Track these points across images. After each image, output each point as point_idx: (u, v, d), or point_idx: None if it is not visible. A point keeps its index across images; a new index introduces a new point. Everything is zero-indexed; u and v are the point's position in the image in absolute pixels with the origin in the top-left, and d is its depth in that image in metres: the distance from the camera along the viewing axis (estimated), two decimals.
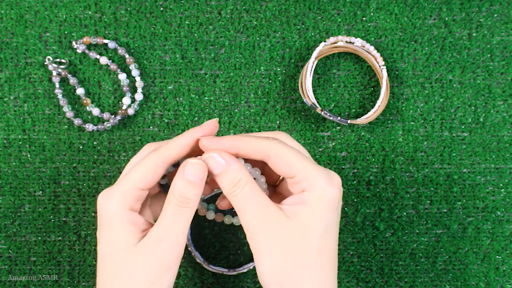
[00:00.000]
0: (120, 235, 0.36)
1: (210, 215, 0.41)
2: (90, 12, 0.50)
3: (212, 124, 0.38)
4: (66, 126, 0.49)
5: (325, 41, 0.49)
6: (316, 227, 0.35)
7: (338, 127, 0.50)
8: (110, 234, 0.36)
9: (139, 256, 0.36)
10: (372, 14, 0.50)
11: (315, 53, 0.48)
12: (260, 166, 0.41)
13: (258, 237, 0.35)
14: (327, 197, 0.36)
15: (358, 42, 0.49)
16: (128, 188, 0.36)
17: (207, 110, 0.50)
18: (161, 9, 0.50)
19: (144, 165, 0.36)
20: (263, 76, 0.50)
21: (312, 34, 0.50)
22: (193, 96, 0.50)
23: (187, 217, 0.36)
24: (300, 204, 0.36)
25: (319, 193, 0.35)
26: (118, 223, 0.36)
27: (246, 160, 0.38)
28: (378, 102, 0.49)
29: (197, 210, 0.40)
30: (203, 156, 0.37)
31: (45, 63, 0.49)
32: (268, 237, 0.35)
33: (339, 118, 0.49)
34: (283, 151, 0.36)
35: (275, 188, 0.42)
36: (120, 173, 0.49)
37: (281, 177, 0.42)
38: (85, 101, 0.49)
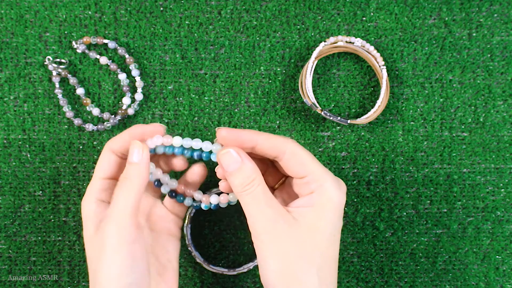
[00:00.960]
0: (86, 228, 0.38)
1: (214, 199, 0.42)
2: (90, 12, 0.50)
3: (159, 127, 0.40)
4: (66, 126, 0.49)
5: (325, 41, 0.49)
6: (323, 230, 0.36)
7: (338, 127, 0.50)
8: (84, 230, 0.39)
9: (97, 240, 0.37)
10: (372, 14, 0.50)
11: (315, 53, 0.48)
12: (262, 168, 0.41)
13: (265, 237, 0.36)
14: (335, 202, 0.36)
15: (358, 42, 0.49)
16: (93, 181, 0.39)
17: (207, 110, 0.50)
18: (161, 9, 0.50)
19: (100, 158, 0.40)
20: (263, 76, 0.50)
21: (312, 34, 0.50)
22: (193, 96, 0.50)
23: (128, 192, 0.37)
24: (308, 206, 0.36)
25: (328, 197, 0.36)
26: (85, 217, 0.39)
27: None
28: (378, 102, 0.49)
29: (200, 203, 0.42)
30: (219, 152, 0.37)
31: (45, 63, 0.49)
32: (275, 238, 0.35)
33: (339, 118, 0.49)
34: (299, 150, 0.37)
35: (273, 191, 0.42)
36: None
37: (280, 181, 0.42)
38: (85, 101, 0.49)
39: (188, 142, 0.40)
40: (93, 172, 0.49)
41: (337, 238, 0.37)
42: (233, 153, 0.36)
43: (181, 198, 0.43)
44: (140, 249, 0.37)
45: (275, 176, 0.42)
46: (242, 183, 0.36)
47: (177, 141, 0.40)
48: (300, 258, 0.35)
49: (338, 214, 0.37)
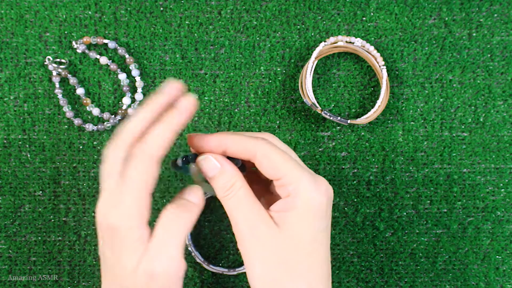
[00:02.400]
0: (127, 258, 0.33)
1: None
2: (90, 12, 0.50)
3: (174, 89, 0.34)
4: (66, 126, 0.49)
5: (325, 41, 0.49)
6: (303, 236, 0.35)
7: (338, 127, 0.50)
8: (121, 253, 0.33)
9: (139, 282, 0.33)
10: (372, 14, 0.50)
11: (315, 53, 0.48)
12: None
13: (248, 244, 0.35)
14: (313, 204, 0.35)
15: (358, 42, 0.49)
16: (138, 196, 0.33)
17: (207, 110, 0.50)
18: (161, 9, 0.50)
19: (145, 167, 0.33)
20: (263, 76, 0.50)
21: (312, 34, 0.50)
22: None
23: (182, 228, 0.34)
24: (287, 211, 0.35)
25: (304, 199, 0.35)
26: (129, 244, 0.33)
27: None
28: (378, 102, 0.49)
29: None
30: (199, 158, 0.37)
31: (45, 63, 0.49)
32: (257, 245, 0.35)
33: (339, 118, 0.49)
34: (270, 151, 0.35)
35: (269, 186, 0.42)
36: None
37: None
38: (85, 101, 0.49)
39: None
40: (93, 172, 0.49)
41: (322, 242, 0.36)
42: (211, 158, 0.36)
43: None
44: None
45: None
46: (223, 188, 0.36)
47: None
48: (282, 265, 0.35)
49: (319, 216, 0.35)
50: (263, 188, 0.41)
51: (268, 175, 0.36)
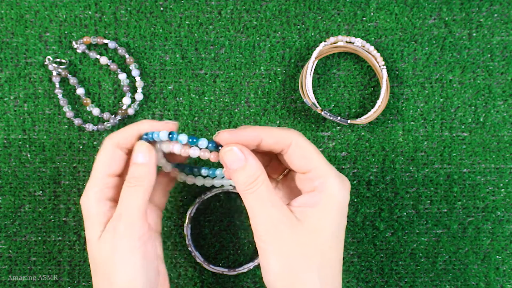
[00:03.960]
0: (91, 228, 0.37)
1: (195, 152, 0.38)
2: (90, 12, 0.50)
3: (171, 125, 0.38)
4: (66, 126, 0.49)
5: (325, 41, 0.49)
6: (326, 232, 0.35)
7: (338, 127, 0.50)
8: (87, 230, 0.37)
9: (106, 241, 0.36)
10: (372, 14, 0.50)
11: (315, 53, 0.48)
12: (265, 161, 0.40)
13: (267, 238, 0.35)
14: (338, 201, 0.35)
15: (358, 42, 0.49)
16: (95, 178, 0.37)
17: (207, 110, 0.50)
18: (161, 9, 0.50)
19: (102, 153, 0.38)
20: (263, 76, 0.50)
21: (312, 34, 0.50)
22: (193, 96, 0.50)
23: (138, 196, 0.36)
24: (312, 206, 0.35)
25: (330, 195, 0.35)
26: (89, 216, 0.37)
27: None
28: (378, 102, 0.49)
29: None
30: (223, 150, 0.36)
31: (45, 63, 0.49)
32: (277, 239, 0.35)
33: (339, 118, 0.49)
34: (304, 143, 0.36)
35: (276, 184, 0.42)
36: None
37: (283, 173, 0.41)
38: (85, 101, 0.49)
39: (196, 152, 0.37)
40: None
41: (341, 239, 0.36)
42: (237, 151, 0.35)
43: (190, 169, 0.42)
44: (152, 250, 0.37)
45: (278, 169, 0.41)
46: (246, 182, 0.35)
47: (178, 148, 0.37)
48: (301, 260, 0.35)
49: (342, 213, 0.36)
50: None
51: (298, 166, 0.36)
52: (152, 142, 0.38)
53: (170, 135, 0.37)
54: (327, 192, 0.35)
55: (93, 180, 0.38)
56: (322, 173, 0.35)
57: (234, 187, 0.42)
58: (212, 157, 0.37)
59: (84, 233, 0.49)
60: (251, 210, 0.35)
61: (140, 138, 0.38)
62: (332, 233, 0.35)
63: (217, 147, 0.37)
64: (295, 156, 0.36)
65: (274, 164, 0.41)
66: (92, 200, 0.37)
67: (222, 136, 0.36)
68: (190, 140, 0.37)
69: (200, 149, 0.37)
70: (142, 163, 0.37)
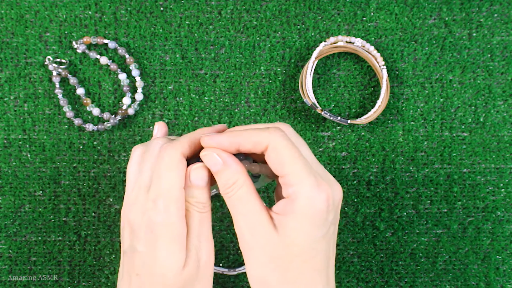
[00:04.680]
0: (172, 252, 0.35)
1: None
2: (90, 12, 0.50)
3: (222, 127, 0.39)
4: (66, 126, 0.49)
5: (325, 41, 0.49)
6: (300, 243, 0.34)
7: (338, 127, 0.50)
8: (161, 252, 0.35)
9: (190, 275, 0.36)
10: (372, 14, 0.50)
11: (315, 53, 0.48)
12: (261, 158, 0.40)
13: (246, 245, 0.35)
14: (310, 211, 0.33)
15: (358, 42, 0.49)
16: (174, 191, 0.35)
17: (207, 110, 0.50)
18: (161, 9, 0.50)
19: (176, 164, 0.36)
20: (263, 76, 0.50)
21: (312, 34, 0.50)
22: (193, 96, 0.50)
23: (210, 221, 0.37)
24: (287, 214, 0.34)
25: (303, 205, 0.33)
26: (172, 239, 0.35)
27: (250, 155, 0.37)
28: (378, 102, 0.49)
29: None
30: (202, 153, 0.36)
31: (45, 63, 0.49)
32: (255, 246, 0.35)
33: (339, 118, 0.49)
34: (281, 145, 0.34)
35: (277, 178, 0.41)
36: (121, 173, 0.49)
37: None
38: (85, 101, 0.49)
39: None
40: (93, 172, 0.49)
41: (320, 249, 0.35)
42: (214, 155, 0.35)
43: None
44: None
45: None
46: (224, 185, 0.35)
47: None
48: (276, 273, 0.34)
49: (317, 224, 0.34)
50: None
51: (274, 170, 0.35)
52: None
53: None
54: (299, 202, 0.33)
55: (170, 193, 0.35)
56: (294, 181, 0.34)
57: None
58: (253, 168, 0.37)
59: (84, 233, 0.49)
60: (232, 213, 0.36)
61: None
62: (308, 245, 0.34)
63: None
64: (270, 160, 0.35)
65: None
66: (169, 219, 0.35)
67: (203, 140, 0.36)
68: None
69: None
70: (204, 186, 0.36)
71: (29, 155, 0.49)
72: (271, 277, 0.34)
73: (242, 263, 0.50)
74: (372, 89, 0.51)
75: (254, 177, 0.39)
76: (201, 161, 0.36)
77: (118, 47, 0.49)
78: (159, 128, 0.40)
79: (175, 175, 0.35)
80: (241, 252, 0.50)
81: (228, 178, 0.35)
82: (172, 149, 0.36)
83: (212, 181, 0.37)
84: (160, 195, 0.35)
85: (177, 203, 0.35)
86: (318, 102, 0.50)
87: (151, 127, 0.50)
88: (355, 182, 0.50)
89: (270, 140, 0.34)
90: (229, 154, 0.35)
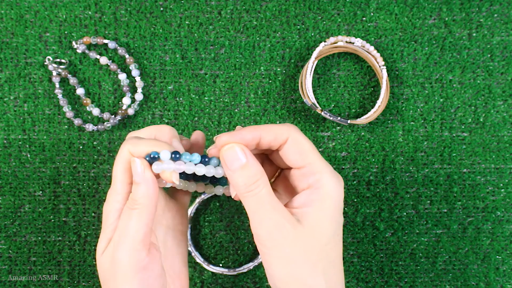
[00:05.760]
0: (100, 241, 0.36)
1: (218, 191, 0.39)
2: (90, 12, 0.50)
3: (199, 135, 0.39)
4: (66, 126, 0.49)
5: (325, 41, 0.49)
6: (326, 231, 0.34)
7: (338, 127, 0.50)
8: (99, 243, 0.37)
9: (107, 262, 0.35)
10: (372, 14, 0.50)
11: (315, 53, 0.48)
12: (260, 161, 0.40)
13: (270, 243, 0.34)
14: (334, 197, 0.35)
15: (358, 42, 0.49)
16: (118, 187, 0.36)
17: (207, 110, 0.50)
18: (161, 9, 0.50)
19: (120, 159, 0.35)
20: (263, 76, 0.50)
21: (312, 34, 0.50)
22: (193, 96, 0.50)
23: (136, 219, 0.34)
24: (309, 205, 0.34)
25: (326, 192, 0.34)
26: (103, 226, 0.36)
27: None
28: (378, 102, 0.49)
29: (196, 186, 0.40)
30: (223, 148, 0.34)
31: (45, 63, 0.49)
32: (281, 244, 0.34)
33: (339, 118, 0.49)
34: (301, 138, 0.35)
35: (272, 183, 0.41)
36: None
37: (275, 174, 0.41)
38: (85, 101, 0.49)
39: (190, 168, 0.35)
40: (93, 172, 0.49)
41: (340, 236, 0.36)
42: (238, 149, 0.34)
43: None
44: (153, 275, 0.35)
45: (270, 171, 0.40)
46: (246, 183, 0.34)
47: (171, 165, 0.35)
48: (306, 266, 0.34)
49: (339, 210, 0.35)
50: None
51: (293, 161, 0.35)
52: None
53: (173, 155, 0.35)
54: (323, 190, 0.34)
55: (115, 187, 0.35)
56: (317, 169, 0.35)
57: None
58: (220, 172, 0.36)
59: (84, 233, 0.49)
60: (252, 213, 0.34)
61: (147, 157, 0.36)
62: (333, 231, 0.35)
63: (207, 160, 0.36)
64: (290, 151, 0.35)
65: (265, 166, 0.40)
66: (107, 209, 0.36)
67: (221, 139, 0.35)
68: (197, 159, 0.35)
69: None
70: (140, 182, 0.34)
71: (29, 155, 0.49)
72: (303, 270, 0.34)
73: (242, 263, 0.50)
74: (372, 89, 0.51)
75: None
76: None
77: (118, 47, 0.49)
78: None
79: (118, 170, 0.35)
80: (241, 252, 0.50)
81: (252, 175, 0.34)
82: (122, 148, 0.35)
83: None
84: (111, 188, 0.36)
85: (114, 195, 0.36)
86: (318, 102, 0.50)
87: None
88: (355, 182, 0.50)
89: (290, 133, 0.35)
90: (251, 152, 0.35)
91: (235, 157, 0.34)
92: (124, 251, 0.34)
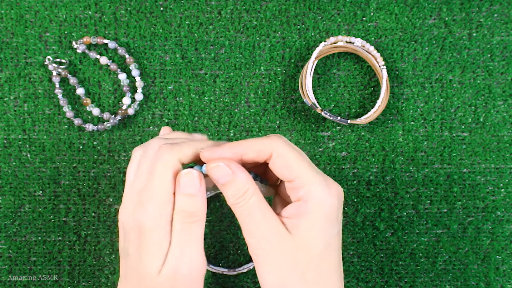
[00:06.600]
0: (149, 258, 0.35)
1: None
2: (90, 12, 0.50)
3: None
4: (66, 126, 0.49)
5: (325, 41, 0.49)
6: (316, 243, 0.34)
7: (338, 127, 0.50)
8: (142, 256, 0.35)
9: (164, 282, 0.34)
10: (372, 14, 0.50)
11: (315, 53, 0.48)
12: (261, 170, 0.40)
13: (260, 252, 0.35)
14: (324, 209, 0.34)
15: (358, 42, 0.49)
16: (160, 196, 0.35)
17: (207, 110, 0.50)
18: (161, 9, 0.50)
19: (166, 167, 0.35)
20: (263, 76, 0.50)
21: (312, 34, 0.50)
22: (193, 96, 0.50)
23: (197, 232, 0.35)
24: (299, 217, 0.34)
25: (316, 204, 0.34)
26: (148, 244, 0.35)
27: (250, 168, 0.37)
28: (378, 102, 0.49)
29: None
30: (209, 165, 0.35)
31: (45, 63, 0.49)
32: (270, 252, 0.34)
33: (339, 118, 0.49)
34: (286, 151, 0.35)
35: (275, 189, 0.41)
36: (121, 173, 0.49)
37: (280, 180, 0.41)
38: (85, 101, 0.49)
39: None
40: (93, 172, 0.49)
41: (335, 246, 0.36)
42: (223, 166, 0.35)
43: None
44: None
45: (274, 175, 0.40)
46: (235, 195, 0.35)
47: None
48: (295, 276, 0.34)
49: (331, 220, 0.35)
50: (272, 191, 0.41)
51: (281, 175, 0.35)
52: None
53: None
54: (312, 201, 0.34)
55: (162, 198, 0.35)
56: (305, 182, 0.34)
57: None
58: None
59: (84, 233, 0.49)
60: (242, 223, 0.35)
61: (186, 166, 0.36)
62: (324, 243, 0.35)
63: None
64: (277, 166, 0.35)
65: (270, 170, 0.40)
66: (154, 223, 0.34)
67: (203, 155, 0.35)
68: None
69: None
70: (195, 194, 0.35)
71: (29, 155, 0.49)
72: (290, 280, 0.34)
73: (242, 263, 0.50)
74: (372, 89, 0.51)
75: None
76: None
77: (118, 47, 0.49)
78: (164, 132, 0.41)
79: (166, 179, 0.35)
80: (241, 252, 0.50)
81: (239, 188, 0.35)
82: (169, 153, 0.35)
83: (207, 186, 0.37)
84: (151, 198, 0.34)
85: (163, 208, 0.35)
86: (318, 102, 0.50)
87: (151, 127, 0.50)
88: (355, 182, 0.50)
89: (273, 146, 0.35)
90: (237, 164, 0.35)
91: (221, 173, 0.35)
92: (193, 267, 0.35)
